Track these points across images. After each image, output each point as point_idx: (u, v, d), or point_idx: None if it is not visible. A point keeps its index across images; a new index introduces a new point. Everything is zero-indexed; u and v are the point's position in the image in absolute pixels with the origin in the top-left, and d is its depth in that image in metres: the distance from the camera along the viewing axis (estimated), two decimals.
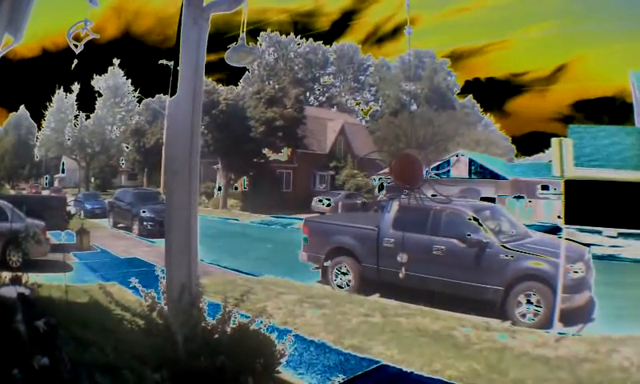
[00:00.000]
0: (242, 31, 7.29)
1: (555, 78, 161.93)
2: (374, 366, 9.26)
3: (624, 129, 46.45)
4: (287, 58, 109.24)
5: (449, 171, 59.00)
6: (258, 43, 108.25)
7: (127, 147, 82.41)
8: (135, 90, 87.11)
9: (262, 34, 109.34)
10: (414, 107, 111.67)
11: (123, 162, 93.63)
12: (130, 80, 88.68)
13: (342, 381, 8.47)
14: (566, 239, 14.54)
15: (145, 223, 30.06)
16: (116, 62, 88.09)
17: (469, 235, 14.24)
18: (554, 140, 12.36)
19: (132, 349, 5.72)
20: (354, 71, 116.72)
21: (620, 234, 35.91)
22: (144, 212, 30.37)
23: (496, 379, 8.71)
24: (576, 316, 13.37)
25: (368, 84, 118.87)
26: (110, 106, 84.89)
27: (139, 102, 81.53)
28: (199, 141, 6.75)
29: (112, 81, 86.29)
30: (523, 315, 13.25)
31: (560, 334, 11.77)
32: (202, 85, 6.82)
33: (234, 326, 6.08)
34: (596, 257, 20.26)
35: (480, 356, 9.89)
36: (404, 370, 9.07)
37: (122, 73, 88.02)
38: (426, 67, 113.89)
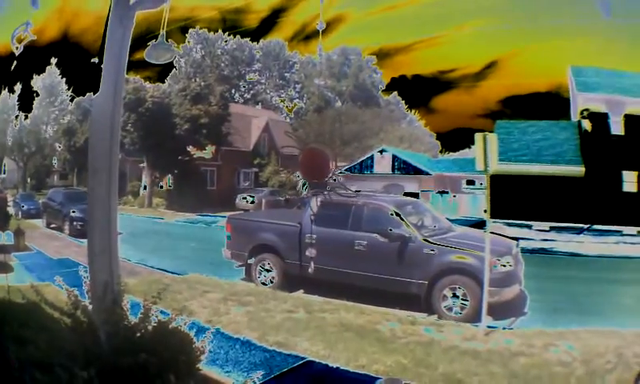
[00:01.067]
0: (163, 28, 7.19)
1: (484, 75, 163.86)
2: (300, 362, 9.24)
3: (557, 123, 47.55)
4: (214, 55, 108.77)
5: (372, 167, 60.23)
6: (186, 40, 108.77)
7: (59, 147, 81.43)
8: (69, 89, 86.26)
9: (190, 30, 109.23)
10: (338, 104, 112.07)
11: (55, 161, 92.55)
12: (64, 79, 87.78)
13: (268, 378, 8.43)
14: (494, 233, 14.76)
15: (74, 223, 29.55)
16: (53, 61, 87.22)
17: (390, 230, 14.30)
18: (477, 135, 12.37)
19: (63, 347, 5.74)
20: (279, 68, 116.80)
21: (552, 228, 36.48)
22: (73, 212, 29.85)
23: (424, 373, 8.70)
24: (507, 310, 13.53)
25: (293, 81, 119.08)
26: (46, 106, 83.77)
27: (72, 100, 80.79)
28: (118, 139, 6.63)
29: (48, 80, 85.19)
30: (450, 309, 13.33)
31: (490, 327, 11.83)
32: (123, 83, 6.73)
33: (155, 324, 6.06)
34: (527, 250, 20.53)
35: (406, 350, 9.89)
36: (330, 365, 9.07)
37: (57, 72, 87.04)
38: (352, 64, 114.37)
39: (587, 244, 30.76)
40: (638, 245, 31.30)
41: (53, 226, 33.16)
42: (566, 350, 10.16)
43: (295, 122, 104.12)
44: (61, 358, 5.39)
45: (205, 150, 56.06)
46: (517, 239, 17.13)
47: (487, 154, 12.07)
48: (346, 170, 60.50)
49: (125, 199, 54.75)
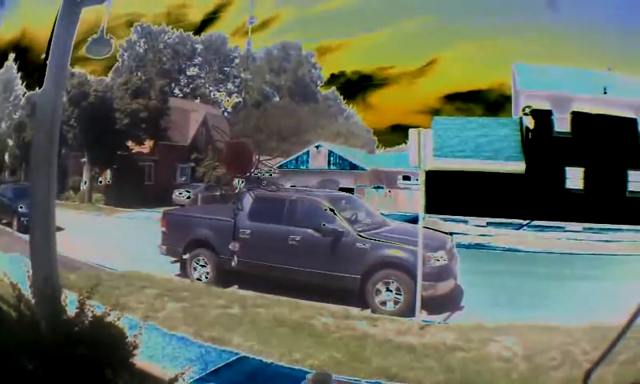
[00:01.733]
0: (103, 23, 7.20)
1: (424, 72, 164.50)
2: (234, 357, 9.28)
3: (497, 120, 48.31)
4: (157, 49, 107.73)
5: (308, 162, 60.18)
6: (131, 34, 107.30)
7: (11, 142, 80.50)
8: (22, 83, 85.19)
9: (135, 24, 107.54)
10: (277, 99, 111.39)
11: (7, 157, 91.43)
12: (20, 74, 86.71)
13: (203, 374, 8.47)
14: (428, 228, 15.09)
15: (22, 219, 28.83)
16: (11, 56, 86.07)
17: (324, 225, 14.35)
18: (411, 131, 12.55)
19: (12, 338, 5.72)
20: (219, 62, 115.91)
21: (489, 223, 36.83)
22: (21, 207, 29.28)
23: (359, 367, 8.77)
24: (442, 304, 13.64)
25: (232, 75, 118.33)
26: (1, 102, 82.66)
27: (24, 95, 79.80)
28: (58, 134, 6.64)
29: (5, 76, 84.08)
30: (383, 303, 13.46)
31: (425, 322, 11.97)
32: (65, 78, 6.74)
33: (92, 318, 6.09)
34: (463, 245, 20.73)
35: (340, 344, 9.98)
36: (264, 361, 9.12)
37: (15, 67, 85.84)
38: (291, 59, 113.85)
39: (526, 239, 31.08)
40: (581, 241, 31.98)
41: (4, 221, 32.64)
42: (506, 345, 10.24)
43: (233, 116, 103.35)
44: (10, 349, 5.44)
45: (143, 144, 55.48)
46: (452, 234, 17.38)
47: (421, 149, 12.26)
48: (282, 166, 60.22)
49: (67, 195, 54.08)
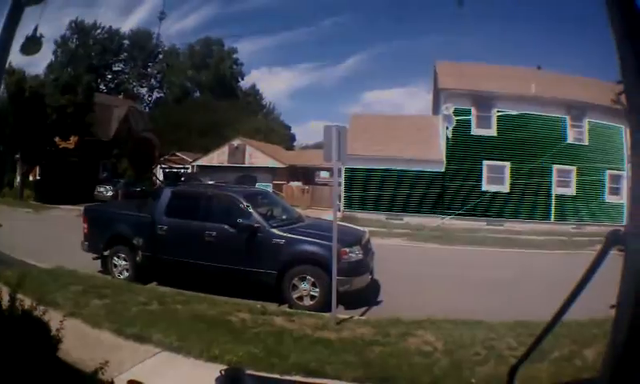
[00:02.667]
0: (37, 21, 6.92)
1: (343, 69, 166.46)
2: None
3: (420, 118, 49.38)
4: (87, 45, 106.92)
5: (227, 158, 61.18)
6: (66, 30, 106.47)
7: None
8: None
9: (69, 21, 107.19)
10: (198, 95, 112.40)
11: None
12: None
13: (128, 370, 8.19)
14: (343, 224, 15.64)
15: None
16: None
17: (240, 221, 14.23)
18: (326, 127, 12.39)
19: None
20: (144, 58, 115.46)
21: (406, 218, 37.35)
22: None
23: (276, 363, 8.66)
24: (359, 299, 13.71)
25: (156, 71, 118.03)
26: None
27: None
28: None
29: None
30: (300, 298, 13.49)
31: (342, 316, 11.96)
32: (1, 77, 6.45)
33: (19, 313, 6.25)
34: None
35: (257, 340, 9.90)
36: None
37: None
38: (213, 55, 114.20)
39: (443, 236, 31.46)
40: (500, 236, 32.57)
41: None
42: (426, 339, 10.21)
43: (154, 112, 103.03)
44: None
45: (69, 140, 55.04)
46: (364, 229, 17.24)
47: (337, 145, 12.10)
48: (200, 162, 61.25)
49: (4, 191, 53.62)
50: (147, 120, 71.52)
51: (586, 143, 39.62)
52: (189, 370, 8.48)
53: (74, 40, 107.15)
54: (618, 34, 2.38)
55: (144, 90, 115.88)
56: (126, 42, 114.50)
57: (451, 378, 8.42)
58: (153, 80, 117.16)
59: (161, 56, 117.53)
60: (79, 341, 8.75)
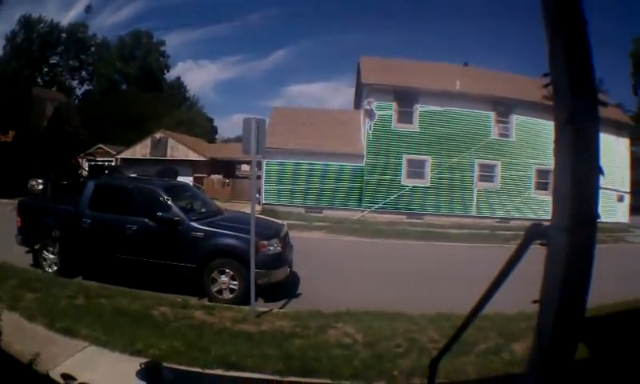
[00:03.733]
0: None
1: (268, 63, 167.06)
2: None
3: (341, 112, 50.17)
4: (30, 39, 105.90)
5: (149, 151, 61.70)
6: (15, 25, 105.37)
7: None
8: None
9: (18, 15, 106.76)
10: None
11: None
12: None
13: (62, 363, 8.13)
14: (262, 217, 15.98)
15: None
16: None
17: (159, 214, 14.16)
18: (245, 119, 12.35)
19: None
20: (76, 50, 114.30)
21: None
22: None
23: (198, 357, 8.62)
24: (278, 291, 13.88)
25: (87, 63, 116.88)
26: None
27: None
28: None
29: None
30: (220, 292, 13.49)
31: (261, 309, 12.01)
32: None
33: None
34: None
35: (179, 334, 9.87)
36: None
37: None
38: (141, 47, 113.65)
39: (362, 229, 31.74)
40: (420, 229, 33.10)
41: None
42: (346, 331, 10.28)
43: (83, 104, 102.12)
44: None
45: (7, 134, 54.80)
46: (283, 222, 17.54)
47: (256, 138, 12.09)
48: (124, 155, 61.28)
49: None
50: (76, 113, 71.08)
51: (513, 138, 40.28)
52: (115, 364, 8.38)
53: (21, 34, 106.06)
54: (548, 22, 2.38)
55: (75, 83, 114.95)
56: (64, 35, 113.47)
57: (372, 369, 8.44)
58: (84, 72, 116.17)
59: (93, 49, 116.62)
60: (18, 334, 8.74)
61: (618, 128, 41.08)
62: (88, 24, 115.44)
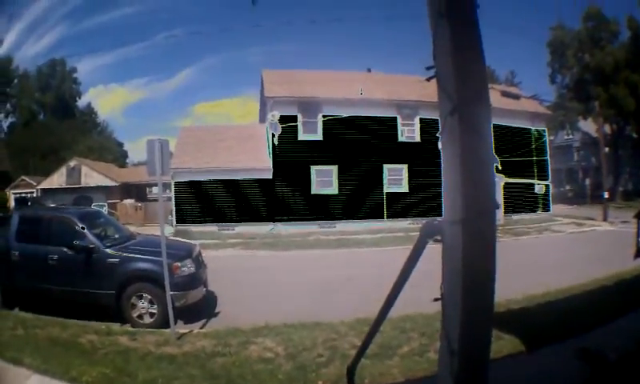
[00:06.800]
0: None
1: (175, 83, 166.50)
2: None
3: (246, 127, 50.80)
4: None
5: (64, 180, 60.94)
6: None
7: None
8: None
9: None
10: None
11: None
12: None
13: None
14: (174, 238, 15.58)
15: None
16: None
17: (76, 242, 14.12)
18: (149, 141, 12.36)
19: None
20: (2, 83, 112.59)
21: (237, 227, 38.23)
22: None
23: (127, 382, 8.67)
24: (197, 311, 14.05)
25: (10, 96, 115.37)
26: None
27: None
28: None
29: None
30: (140, 316, 13.49)
31: (182, 331, 12.13)
32: None
33: None
34: None
35: (107, 360, 9.86)
36: None
37: None
38: (56, 76, 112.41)
39: (275, 243, 31.95)
40: (333, 237, 33.58)
41: None
42: (267, 346, 10.47)
43: (8, 137, 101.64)
44: None
45: None
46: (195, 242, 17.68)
47: (161, 159, 12.23)
48: (43, 185, 60.37)
49: None
50: (2, 147, 70.25)
51: (418, 140, 40.70)
52: None
53: None
54: (433, 12, 2.46)
55: (1, 116, 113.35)
56: None
57: (297, 381, 8.61)
58: (8, 105, 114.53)
59: (16, 81, 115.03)
60: None
61: (533, 119, 42.91)
62: (12, 57, 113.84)
